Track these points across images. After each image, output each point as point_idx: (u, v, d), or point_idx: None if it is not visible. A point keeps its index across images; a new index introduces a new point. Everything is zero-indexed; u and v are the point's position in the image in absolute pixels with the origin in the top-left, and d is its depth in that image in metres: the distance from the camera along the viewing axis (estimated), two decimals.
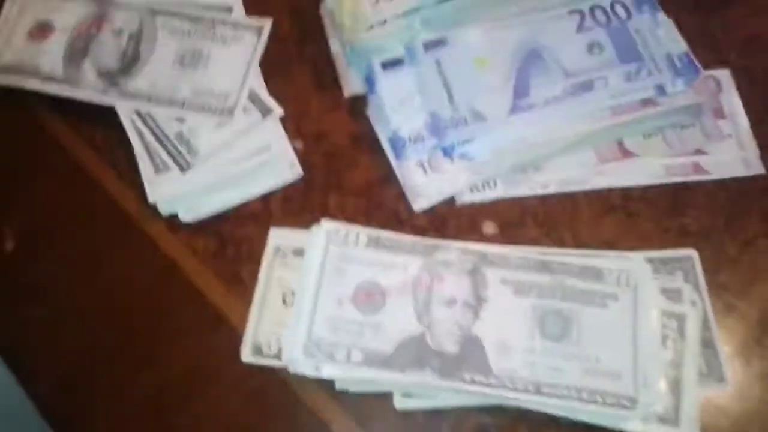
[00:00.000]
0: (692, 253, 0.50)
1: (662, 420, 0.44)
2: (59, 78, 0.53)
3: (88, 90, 0.53)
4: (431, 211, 0.52)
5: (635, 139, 0.55)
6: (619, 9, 0.56)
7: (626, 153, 0.54)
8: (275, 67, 0.57)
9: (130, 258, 0.50)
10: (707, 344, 0.47)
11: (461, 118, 0.52)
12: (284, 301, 0.48)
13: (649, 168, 0.54)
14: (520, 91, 0.53)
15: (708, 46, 0.56)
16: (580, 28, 0.56)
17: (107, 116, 0.53)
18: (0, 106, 0.55)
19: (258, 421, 0.45)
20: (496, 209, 0.52)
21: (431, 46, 0.54)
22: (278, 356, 0.46)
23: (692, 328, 0.47)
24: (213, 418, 0.45)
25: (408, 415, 0.45)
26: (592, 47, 0.55)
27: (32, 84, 0.53)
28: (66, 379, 0.46)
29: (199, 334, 0.47)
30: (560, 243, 0.51)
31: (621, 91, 0.53)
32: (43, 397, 0.46)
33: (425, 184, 0.51)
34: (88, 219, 0.52)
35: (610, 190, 0.53)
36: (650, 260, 0.50)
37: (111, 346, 0.47)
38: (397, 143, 0.52)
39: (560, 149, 0.53)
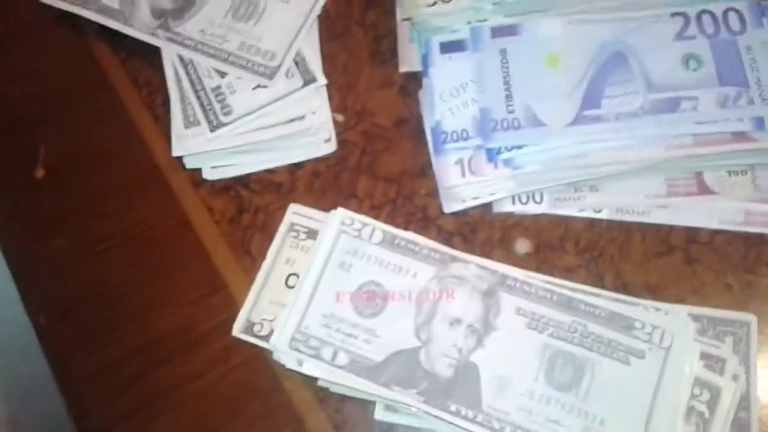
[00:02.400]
0: (751, 318, 0.43)
1: None
2: (114, 10, 0.52)
3: (139, 27, 0.51)
4: (463, 215, 0.48)
5: (718, 174, 0.47)
6: (733, 18, 0.48)
7: (704, 188, 0.47)
8: (333, 27, 0.54)
9: (150, 205, 0.49)
10: (740, 428, 0.41)
11: (515, 120, 0.46)
12: (287, 283, 0.46)
13: (726, 211, 0.47)
14: (591, 99, 0.47)
15: None
16: (679, 35, 0.48)
17: (156, 58, 0.52)
18: (56, 27, 0.55)
19: (234, 398, 0.44)
20: (535, 226, 0.47)
21: (500, 32, 0.49)
22: (268, 338, 0.44)
23: (726, 406, 0.41)
24: (191, 383, 0.44)
25: (387, 427, 0.42)
26: (689, 60, 0.47)
27: (87, 13, 0.52)
28: (65, 314, 0.47)
29: (196, 296, 0.46)
30: (598, 278, 0.45)
31: (710, 118, 0.46)
32: (43, 328, 0.47)
33: (461, 186, 0.47)
34: (116, 158, 0.51)
35: (672, 228, 0.47)
36: (697, 317, 0.43)
37: (112, 287, 0.47)
38: (437, 136, 0.47)
39: (625, 172, 0.47)
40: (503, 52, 0.48)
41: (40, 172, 0.51)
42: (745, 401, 0.42)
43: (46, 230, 0.49)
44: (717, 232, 0.46)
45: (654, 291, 0.45)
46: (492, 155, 0.46)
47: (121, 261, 0.48)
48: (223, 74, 0.50)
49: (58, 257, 0.48)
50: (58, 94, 0.54)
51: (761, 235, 0.46)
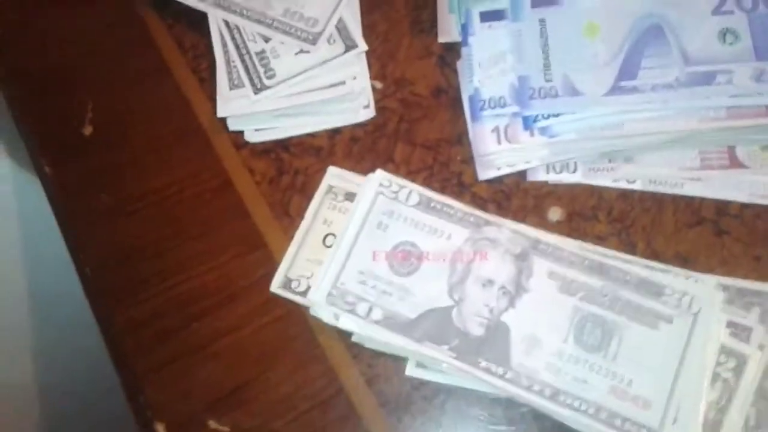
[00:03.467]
0: None
1: None
2: None
3: None
4: (497, 182, 0.49)
5: (750, 148, 0.48)
6: None
7: (735, 162, 0.48)
8: None
9: (194, 165, 0.51)
10: (764, 396, 0.42)
11: (552, 88, 0.47)
12: (324, 242, 0.47)
13: (757, 185, 0.47)
14: (628, 70, 0.47)
15: None
16: (717, 9, 0.48)
17: (202, 23, 0.53)
18: None
19: (269, 351, 0.45)
20: (569, 195, 0.48)
21: (540, 2, 0.49)
22: (305, 294, 0.46)
23: (751, 373, 0.42)
24: (229, 335, 0.46)
25: (416, 383, 0.44)
26: (726, 34, 0.48)
27: None
28: (110, 266, 0.49)
29: (237, 253, 0.48)
30: (629, 247, 0.46)
31: (746, 91, 0.46)
32: (89, 279, 0.49)
33: (496, 153, 0.48)
34: (162, 118, 0.53)
35: (703, 200, 0.48)
36: (726, 287, 0.44)
37: (155, 242, 0.49)
38: (475, 103, 0.48)
39: (659, 144, 0.48)
40: (542, 21, 0.49)
41: (87, 130, 0.53)
42: None
43: (93, 185, 0.51)
44: (747, 205, 0.47)
45: (684, 261, 0.46)
46: (528, 123, 0.47)
47: (165, 217, 0.50)
48: (267, 39, 0.51)
49: (104, 212, 0.50)
50: (107, 57, 0.55)
51: None
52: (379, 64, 0.53)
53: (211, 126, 0.52)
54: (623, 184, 0.48)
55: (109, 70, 0.55)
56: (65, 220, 0.51)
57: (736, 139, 0.48)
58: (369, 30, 0.54)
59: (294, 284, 0.46)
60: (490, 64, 0.49)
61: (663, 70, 0.47)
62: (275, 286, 0.46)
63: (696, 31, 0.48)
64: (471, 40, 0.50)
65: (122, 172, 0.51)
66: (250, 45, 0.51)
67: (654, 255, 0.46)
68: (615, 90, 0.47)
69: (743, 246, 0.46)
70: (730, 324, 0.43)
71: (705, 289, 0.43)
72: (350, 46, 0.51)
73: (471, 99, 0.49)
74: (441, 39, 0.53)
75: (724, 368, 0.42)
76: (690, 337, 0.42)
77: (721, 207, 0.47)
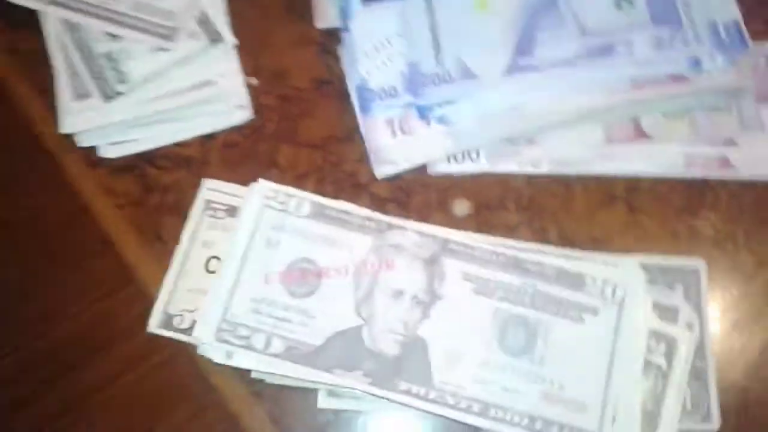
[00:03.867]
0: (700, 264, 0.42)
1: None
2: None
3: None
4: (396, 179, 0.44)
5: (655, 119, 0.46)
6: None
7: (641, 134, 0.45)
8: None
9: (41, 193, 0.44)
10: (698, 376, 0.40)
11: (446, 73, 0.43)
12: (207, 268, 0.41)
13: (665, 156, 0.45)
14: (523, 47, 0.44)
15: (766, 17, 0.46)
16: None
17: (39, 24, 0.45)
18: None
19: (157, 400, 0.39)
20: (474, 186, 0.44)
21: None
22: (190, 331, 0.39)
23: (683, 356, 0.40)
24: (106, 389, 0.39)
25: (332, 414, 0.39)
26: (621, 1, 0.45)
27: None
28: None
29: (103, 293, 0.41)
30: (542, 235, 0.43)
31: (647, 60, 0.44)
32: None
33: (392, 148, 0.43)
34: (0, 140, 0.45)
35: (613, 178, 0.45)
36: (646, 267, 0.42)
37: (7, 291, 0.41)
38: (363, 95, 0.43)
39: (562, 122, 0.44)
40: None
41: None
42: (700, 350, 0.40)
43: None
44: (659, 179, 0.45)
45: (599, 243, 0.43)
46: (423, 112, 0.43)
47: (13, 261, 0.42)
48: (115, 38, 0.44)
49: None
50: None
51: (703, 179, 0.45)
52: (251, 57, 0.47)
53: (57, 144, 0.44)
54: (529, 169, 0.45)
55: None
56: None
57: (640, 110, 0.45)
58: (237, 19, 0.47)
59: (176, 321, 0.40)
60: (376, 51, 0.44)
61: (560, 45, 0.44)
62: (153, 326, 0.40)
63: (591, 0, 0.45)
64: (352, 24, 0.44)
65: None
66: (94, 46, 0.44)
67: (568, 240, 0.43)
68: (512, 69, 0.44)
69: (659, 222, 0.44)
70: (656, 306, 0.40)
71: (627, 274, 0.40)
72: (215, 39, 0.45)
73: (358, 90, 0.44)
74: (319, 25, 0.48)
75: (656, 354, 0.39)
76: (618, 326, 0.39)
77: (633, 183, 0.45)
